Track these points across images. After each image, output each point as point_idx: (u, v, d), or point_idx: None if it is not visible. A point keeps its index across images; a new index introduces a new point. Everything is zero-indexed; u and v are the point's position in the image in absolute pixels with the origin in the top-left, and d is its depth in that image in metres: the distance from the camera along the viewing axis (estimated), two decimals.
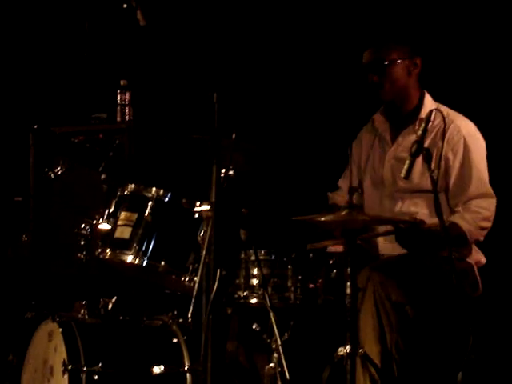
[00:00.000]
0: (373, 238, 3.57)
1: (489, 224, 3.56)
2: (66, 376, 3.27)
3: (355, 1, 4.47)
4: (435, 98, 3.73)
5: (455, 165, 3.58)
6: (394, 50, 3.63)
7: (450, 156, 3.59)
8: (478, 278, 3.61)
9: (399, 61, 3.62)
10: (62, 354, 3.30)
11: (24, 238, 4.52)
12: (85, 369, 3.28)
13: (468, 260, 3.59)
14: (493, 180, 3.61)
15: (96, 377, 3.29)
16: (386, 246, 3.61)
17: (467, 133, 3.62)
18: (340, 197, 3.81)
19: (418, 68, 3.66)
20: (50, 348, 3.41)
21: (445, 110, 3.65)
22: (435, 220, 3.20)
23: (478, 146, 3.63)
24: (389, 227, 3.49)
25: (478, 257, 3.63)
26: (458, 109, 3.71)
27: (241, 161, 3.41)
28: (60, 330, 3.34)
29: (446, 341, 3.39)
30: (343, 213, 3.22)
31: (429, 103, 3.68)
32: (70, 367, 3.27)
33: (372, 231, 3.55)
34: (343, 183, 3.84)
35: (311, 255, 3.42)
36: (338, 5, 4.51)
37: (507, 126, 4.24)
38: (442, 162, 3.55)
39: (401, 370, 3.32)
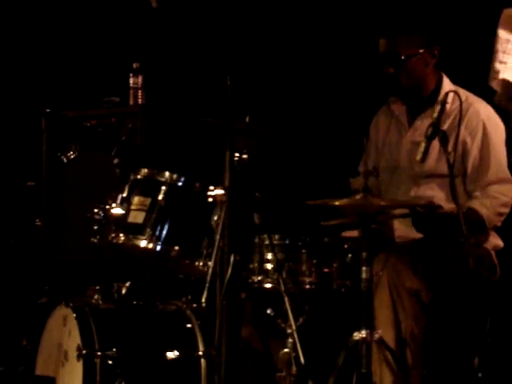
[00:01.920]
0: (389, 220, 3.54)
1: (507, 210, 3.52)
2: (80, 361, 3.27)
3: None
4: (454, 82, 3.68)
5: (473, 149, 3.54)
6: (411, 42, 3.55)
7: (468, 140, 3.55)
8: (496, 262, 3.58)
9: (417, 54, 3.56)
10: (76, 338, 3.30)
11: (37, 223, 4.52)
12: (99, 354, 3.28)
13: (485, 245, 3.56)
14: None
15: (110, 362, 3.29)
16: (402, 229, 3.58)
17: (486, 117, 3.58)
18: (360, 182, 3.76)
19: (435, 58, 3.60)
20: (64, 333, 3.41)
21: (463, 93, 3.60)
22: (452, 205, 3.17)
23: (497, 131, 3.59)
24: (405, 210, 3.46)
25: (495, 241, 3.59)
26: (477, 93, 3.66)
27: (254, 145, 3.38)
28: (74, 315, 3.34)
29: (463, 325, 3.36)
30: (358, 197, 3.19)
31: (447, 86, 3.63)
32: (84, 352, 3.27)
33: (388, 215, 3.52)
34: (361, 168, 3.80)
35: (326, 239, 3.40)
36: None
37: None
38: (460, 146, 3.50)
39: (416, 357, 3.30)
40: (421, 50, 3.56)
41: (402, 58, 3.54)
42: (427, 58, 3.58)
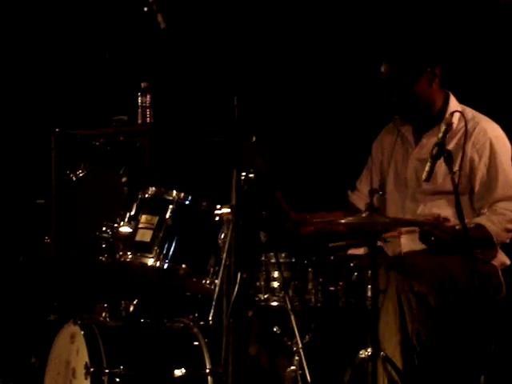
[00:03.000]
0: (396, 237, 3.56)
1: None
2: (88, 378, 3.28)
3: (373, 7, 4.45)
4: (460, 101, 3.70)
5: (481, 167, 3.56)
6: (412, 67, 3.58)
7: (476, 158, 3.57)
8: (502, 280, 3.59)
9: (418, 78, 3.59)
10: (84, 356, 3.32)
11: (46, 240, 4.55)
12: (107, 371, 3.30)
13: (492, 262, 3.57)
14: None
15: (118, 379, 3.31)
16: (408, 244, 3.59)
17: (493, 135, 3.60)
18: (358, 198, 3.79)
19: (437, 77, 3.63)
20: (72, 350, 3.43)
21: (470, 111, 3.63)
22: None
23: (505, 149, 3.61)
24: (413, 228, 3.47)
25: (502, 259, 3.60)
26: (483, 111, 3.68)
27: (261, 164, 3.40)
28: (82, 332, 3.36)
29: (469, 342, 3.36)
30: (364, 215, 3.21)
31: (453, 105, 3.65)
32: (92, 370, 3.29)
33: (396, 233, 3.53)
34: (361, 185, 3.82)
35: (332, 258, 3.41)
36: (355, 11, 4.49)
37: None
38: (467, 164, 3.53)
39: (421, 362, 3.30)
40: (422, 73, 3.59)
41: (405, 84, 3.56)
42: (429, 79, 3.61)
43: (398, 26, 4.27)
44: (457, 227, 3.37)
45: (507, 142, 3.64)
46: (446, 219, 3.44)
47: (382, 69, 3.62)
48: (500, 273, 3.58)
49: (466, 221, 3.18)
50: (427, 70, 3.60)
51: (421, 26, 4.22)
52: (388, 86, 3.60)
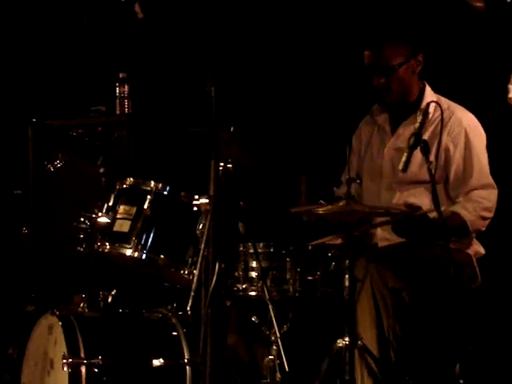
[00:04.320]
0: (370, 229, 3.57)
1: (490, 214, 3.56)
2: (66, 369, 3.27)
3: None
4: (435, 90, 3.72)
5: (456, 156, 3.58)
6: (399, 52, 3.59)
7: (451, 147, 3.59)
8: (477, 269, 3.62)
9: (405, 62, 3.60)
10: (61, 347, 3.31)
11: (24, 231, 4.53)
12: (85, 362, 3.29)
13: (467, 251, 3.60)
14: (493, 171, 3.61)
15: (96, 369, 3.30)
16: (384, 235, 3.61)
17: (468, 124, 3.62)
18: (343, 190, 3.80)
19: (420, 65, 3.65)
20: (50, 341, 3.42)
21: (445, 101, 3.65)
22: (434, 213, 3.20)
23: (479, 138, 3.63)
24: (387, 218, 3.49)
25: (476, 248, 3.63)
26: (458, 100, 3.71)
27: (239, 154, 3.41)
28: (60, 323, 3.35)
29: (444, 331, 3.39)
30: (341, 204, 3.22)
31: (429, 95, 3.67)
32: (70, 360, 3.28)
33: (370, 222, 3.55)
34: (344, 177, 3.83)
35: (310, 248, 3.42)
36: None
37: (507, 118, 4.23)
38: (442, 154, 3.55)
39: (398, 357, 3.33)
40: (409, 59, 3.60)
41: (392, 67, 3.57)
42: (413, 66, 3.63)
43: (387, 11, 4.27)
44: (431, 215, 3.40)
45: (482, 131, 3.66)
46: (418, 207, 3.46)
47: (367, 53, 3.61)
48: (475, 262, 3.61)
49: (442, 208, 3.20)
50: (414, 55, 3.61)
51: (410, 12, 4.22)
52: (374, 69, 3.59)
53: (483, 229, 3.58)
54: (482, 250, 3.65)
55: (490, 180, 3.58)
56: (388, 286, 3.35)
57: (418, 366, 3.38)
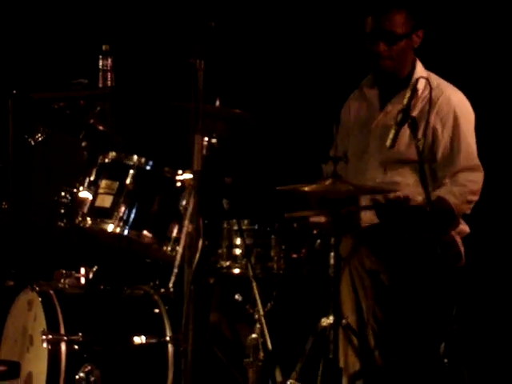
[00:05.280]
0: (354, 211, 3.54)
1: (476, 197, 3.54)
2: (45, 345, 3.24)
3: None
4: (426, 67, 3.67)
5: (444, 136, 3.55)
6: (406, 22, 3.53)
7: (439, 127, 3.55)
8: (462, 248, 3.60)
9: (410, 34, 3.54)
10: (41, 323, 3.28)
11: (3, 206, 4.47)
12: (65, 338, 3.26)
13: (451, 232, 3.57)
14: (480, 153, 3.59)
15: (76, 346, 3.27)
16: (368, 216, 3.58)
17: (457, 104, 3.58)
18: (330, 168, 3.76)
19: (419, 41, 3.60)
20: (29, 317, 3.38)
21: (435, 79, 3.60)
22: (420, 198, 3.17)
23: (468, 119, 3.60)
24: (369, 202, 3.46)
25: (461, 227, 3.61)
26: (448, 78, 3.67)
27: (224, 129, 3.36)
28: (39, 299, 3.32)
29: (429, 311, 3.38)
30: (327, 182, 3.19)
31: (419, 71, 3.63)
32: (49, 336, 3.24)
33: (356, 202, 3.52)
34: (332, 153, 3.78)
35: (295, 225, 3.39)
36: None
37: (497, 98, 4.21)
38: (430, 133, 3.51)
39: (379, 338, 3.31)
40: (413, 32, 3.55)
41: (398, 35, 3.51)
42: (414, 40, 3.58)
43: None
44: (417, 199, 3.35)
45: (471, 111, 3.63)
46: (407, 198, 3.40)
47: (372, 17, 3.54)
48: (459, 241, 3.59)
49: (429, 189, 3.17)
50: (417, 29, 3.56)
51: None
52: (380, 34, 3.51)
53: (469, 211, 3.57)
54: (466, 229, 3.63)
55: (477, 162, 3.55)
56: (366, 268, 3.32)
57: (401, 346, 3.37)
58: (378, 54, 3.54)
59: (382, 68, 3.58)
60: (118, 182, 3.41)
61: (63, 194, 3.49)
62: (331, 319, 3.13)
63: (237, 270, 3.37)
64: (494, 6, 4.20)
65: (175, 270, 3.23)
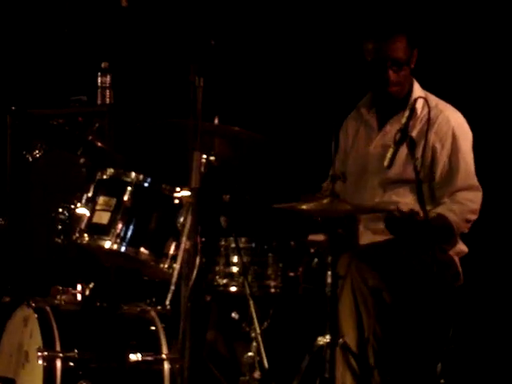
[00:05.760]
0: (356, 225, 3.54)
1: (474, 217, 3.55)
2: (41, 362, 3.23)
3: None
4: (423, 87, 3.69)
5: (443, 156, 3.56)
6: (408, 47, 3.55)
7: (438, 146, 3.57)
8: (460, 268, 3.60)
9: (412, 56, 3.57)
10: (37, 339, 3.27)
11: (1, 221, 4.47)
12: (60, 355, 3.25)
13: (449, 252, 3.58)
14: (478, 172, 3.60)
15: (71, 363, 3.26)
16: (367, 235, 3.59)
17: (456, 124, 3.60)
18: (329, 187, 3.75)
19: (415, 60, 3.62)
20: (25, 333, 3.37)
21: (433, 99, 3.62)
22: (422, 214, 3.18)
23: (466, 138, 3.61)
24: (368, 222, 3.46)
25: (459, 247, 3.62)
26: (446, 98, 3.68)
27: (223, 146, 3.37)
28: (35, 315, 3.31)
29: (426, 330, 3.37)
30: (325, 201, 3.19)
31: (417, 91, 3.64)
32: (45, 353, 3.23)
33: (354, 221, 3.52)
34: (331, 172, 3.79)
35: (292, 243, 3.40)
36: None
37: (494, 118, 4.23)
38: (429, 153, 3.53)
39: (379, 357, 3.30)
40: (412, 52, 3.57)
41: (406, 60, 3.53)
42: (412, 60, 3.59)
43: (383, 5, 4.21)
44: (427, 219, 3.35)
45: (469, 131, 3.65)
46: (418, 212, 3.39)
47: (376, 45, 3.54)
48: (457, 261, 3.60)
49: (428, 208, 3.17)
50: (413, 49, 3.58)
51: (404, 6, 4.18)
52: (388, 62, 3.51)
53: (467, 230, 3.57)
54: (465, 249, 3.64)
55: (475, 181, 3.57)
56: (368, 285, 3.32)
57: (399, 365, 3.36)
58: (386, 81, 3.56)
59: (391, 94, 3.60)
60: (115, 199, 3.41)
61: (61, 210, 3.49)
62: (328, 338, 3.12)
63: (234, 288, 3.36)
64: (488, 23, 4.23)
65: (172, 287, 3.23)
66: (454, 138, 3.57)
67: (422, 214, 3.26)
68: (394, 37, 3.55)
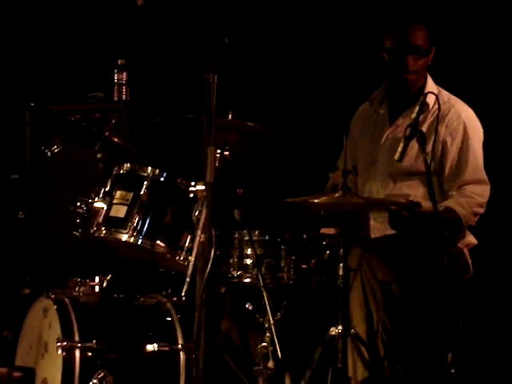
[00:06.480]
0: (366, 218, 3.58)
1: (482, 210, 3.57)
2: (60, 352, 3.28)
3: None
4: (437, 83, 3.72)
5: (453, 149, 3.59)
6: (429, 38, 3.58)
7: (448, 140, 3.59)
8: (469, 260, 3.64)
9: (431, 50, 3.60)
10: (56, 330, 3.32)
11: (20, 215, 4.54)
12: (79, 345, 3.30)
13: (458, 245, 3.61)
14: (487, 166, 3.62)
15: (90, 353, 3.31)
16: (377, 227, 3.63)
17: (467, 118, 3.62)
18: (339, 177, 3.80)
19: (431, 57, 3.64)
20: (44, 324, 3.42)
21: (446, 94, 3.66)
22: (429, 203, 3.22)
23: (477, 133, 3.64)
24: (382, 208, 3.50)
25: (468, 239, 3.64)
26: (457, 94, 3.72)
27: (236, 141, 3.42)
28: (55, 306, 3.36)
29: (436, 322, 3.41)
30: (337, 195, 3.24)
31: (430, 86, 3.66)
32: (64, 343, 3.29)
33: (364, 214, 3.56)
34: (341, 164, 3.83)
35: (305, 236, 3.44)
36: None
37: (505, 115, 4.24)
38: (439, 146, 3.56)
39: (388, 349, 3.34)
40: (432, 45, 3.60)
41: (427, 50, 3.56)
42: (429, 56, 3.62)
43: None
44: (427, 210, 3.40)
45: (480, 127, 3.67)
46: (419, 204, 3.46)
47: (390, 34, 3.56)
48: (467, 253, 3.63)
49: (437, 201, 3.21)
50: (433, 45, 3.61)
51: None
52: (409, 48, 3.52)
53: (474, 224, 3.60)
54: (474, 241, 3.66)
55: (484, 175, 3.59)
56: (378, 279, 3.36)
57: (409, 356, 3.40)
58: (404, 68, 3.58)
59: (407, 81, 3.61)
60: (132, 193, 3.47)
61: (79, 204, 3.55)
62: (340, 328, 3.17)
63: (247, 280, 3.40)
64: (501, 21, 4.25)
65: (187, 279, 3.29)
66: (465, 132, 3.60)
67: (428, 205, 3.31)
68: (416, 25, 3.58)
